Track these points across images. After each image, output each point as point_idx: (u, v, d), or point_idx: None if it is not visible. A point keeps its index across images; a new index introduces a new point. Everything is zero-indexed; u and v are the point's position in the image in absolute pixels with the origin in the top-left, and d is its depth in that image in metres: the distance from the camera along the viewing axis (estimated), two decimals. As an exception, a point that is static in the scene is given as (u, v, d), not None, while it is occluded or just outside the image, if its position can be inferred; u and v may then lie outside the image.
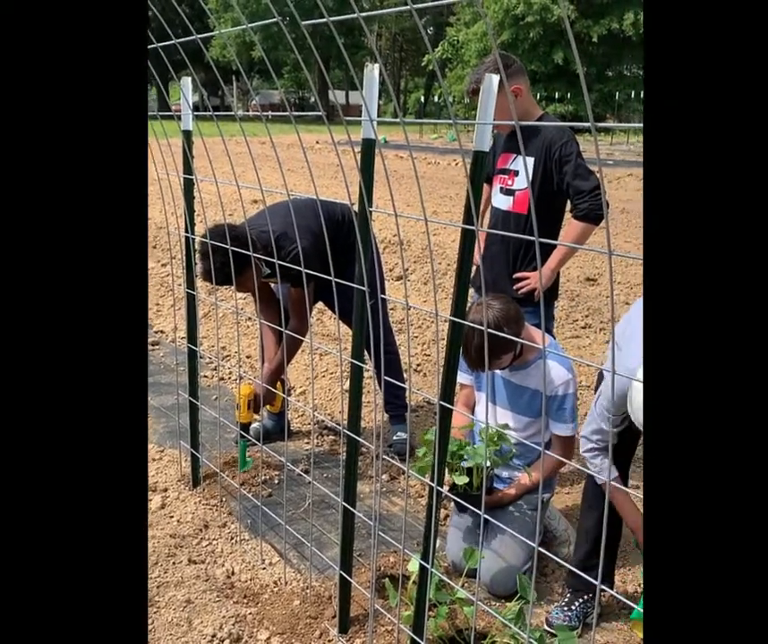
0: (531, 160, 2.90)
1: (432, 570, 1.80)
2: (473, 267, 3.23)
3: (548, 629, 2.27)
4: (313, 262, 2.57)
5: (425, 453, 2.22)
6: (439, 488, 1.69)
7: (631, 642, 2.25)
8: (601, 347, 5.14)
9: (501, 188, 3.07)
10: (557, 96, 28.17)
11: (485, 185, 3.30)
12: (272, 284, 3.43)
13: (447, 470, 2.25)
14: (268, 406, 3.44)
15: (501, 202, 3.06)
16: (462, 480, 2.28)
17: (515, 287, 2.99)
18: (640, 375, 1.86)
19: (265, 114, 1.87)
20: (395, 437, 3.53)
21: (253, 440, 3.18)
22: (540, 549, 1.48)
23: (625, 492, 2.23)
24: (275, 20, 1.30)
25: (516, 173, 2.97)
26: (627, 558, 2.66)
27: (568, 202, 2.91)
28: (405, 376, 3.76)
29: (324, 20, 1.16)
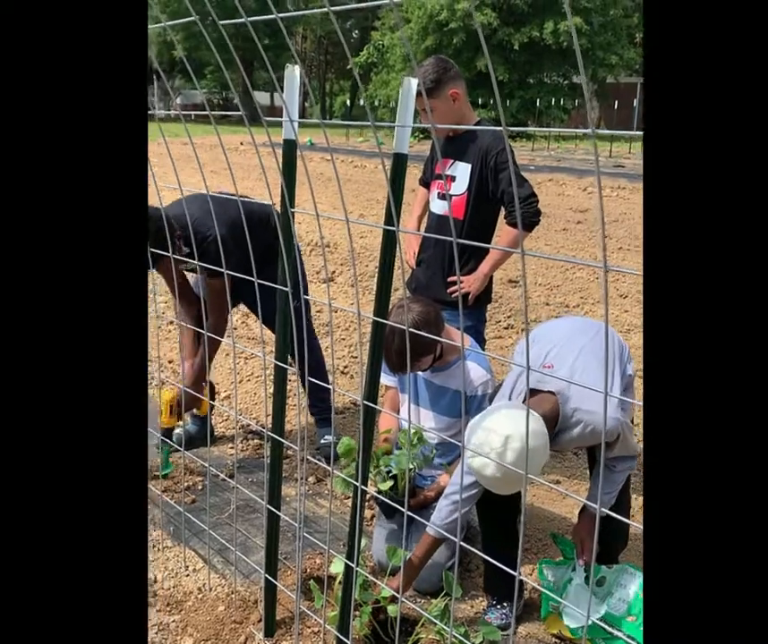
0: (467, 166, 2.94)
1: (357, 569, 1.81)
2: (408, 271, 3.26)
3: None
4: (233, 253, 2.53)
5: (347, 464, 2.24)
6: (363, 488, 1.71)
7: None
8: (522, 347, 5.27)
9: (438, 193, 3.11)
10: (480, 101, 28.70)
11: (423, 190, 3.35)
12: (190, 278, 3.37)
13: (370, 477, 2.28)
14: (194, 409, 3.38)
15: (438, 207, 3.11)
16: (386, 485, 2.31)
17: (449, 291, 3.04)
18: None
19: (187, 113, 1.84)
20: (322, 441, 3.53)
21: (176, 446, 3.12)
22: (463, 544, 1.51)
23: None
24: (193, 19, 1.29)
25: (453, 178, 3.01)
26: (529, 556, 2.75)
27: (502, 208, 2.98)
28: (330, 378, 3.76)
29: (243, 20, 1.15)
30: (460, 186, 2.98)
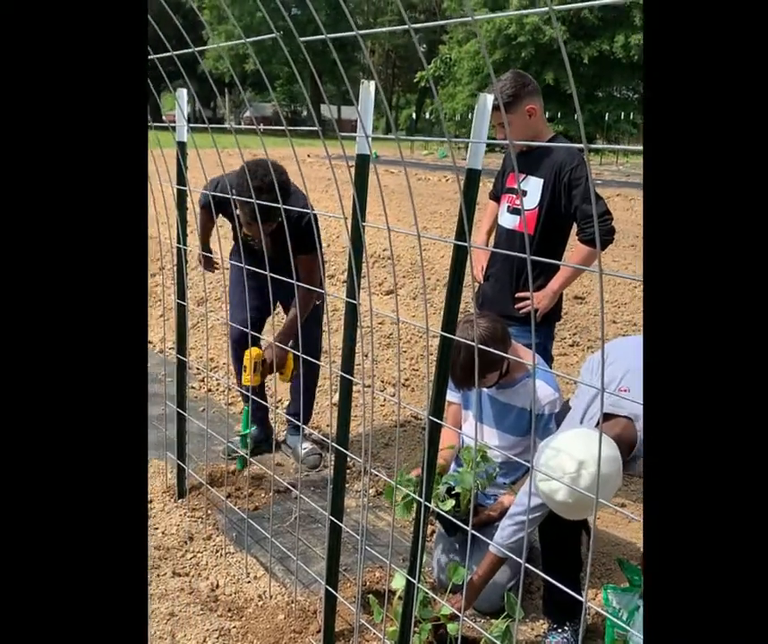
0: (540, 181, 2.90)
1: (419, 585, 1.80)
2: (476, 285, 3.22)
3: None
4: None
5: (406, 495, 2.23)
6: (426, 503, 1.69)
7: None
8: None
9: (508, 207, 3.07)
10: (547, 115, 28.39)
11: (493, 203, 3.32)
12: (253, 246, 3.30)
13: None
14: (278, 374, 3.26)
15: (508, 221, 3.07)
16: (448, 506, 2.29)
17: (516, 306, 2.99)
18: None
19: (257, 127, 1.88)
20: (304, 451, 3.49)
21: (263, 403, 3.22)
22: (527, 565, 1.48)
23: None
24: (273, 35, 1.31)
25: (525, 192, 2.96)
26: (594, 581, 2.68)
27: (574, 226, 2.93)
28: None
29: (322, 36, 1.17)
30: (532, 201, 2.93)
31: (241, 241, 2.65)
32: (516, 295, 3.01)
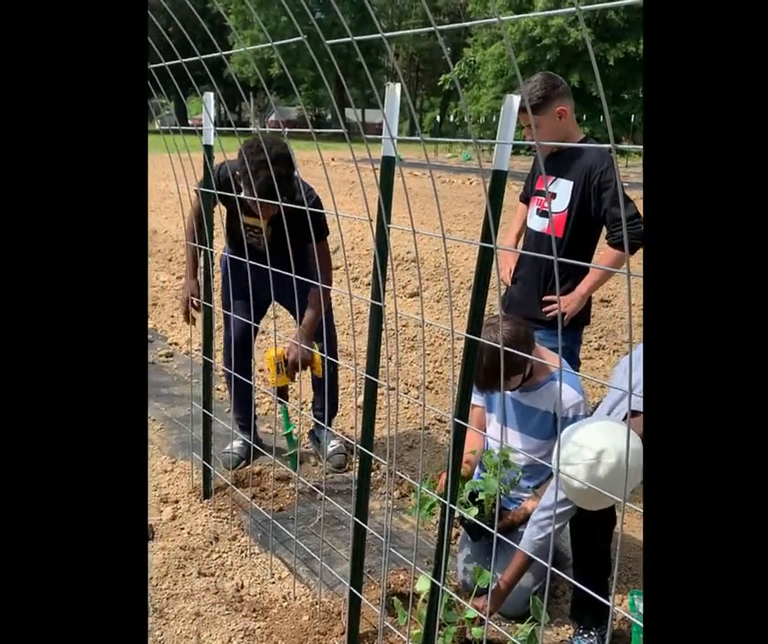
0: (570, 183, 2.87)
1: (443, 588, 1.79)
2: (503, 287, 3.19)
3: None
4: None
5: (429, 502, 2.23)
6: (452, 506, 1.69)
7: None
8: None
9: (538, 209, 3.05)
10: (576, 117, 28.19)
11: (522, 206, 3.29)
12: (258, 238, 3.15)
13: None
14: (309, 369, 3.17)
15: (537, 224, 3.05)
16: (472, 513, 2.28)
17: (543, 309, 2.97)
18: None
19: (282, 130, 1.89)
20: (330, 448, 3.46)
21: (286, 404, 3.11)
22: (553, 569, 1.47)
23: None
24: (298, 39, 1.32)
25: (554, 195, 2.93)
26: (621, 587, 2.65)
27: (603, 229, 2.90)
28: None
29: (347, 39, 1.17)
30: (561, 203, 2.91)
31: (236, 242, 2.57)
32: (544, 298, 2.98)
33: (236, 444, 3.45)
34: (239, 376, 2.81)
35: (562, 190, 2.90)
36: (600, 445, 1.77)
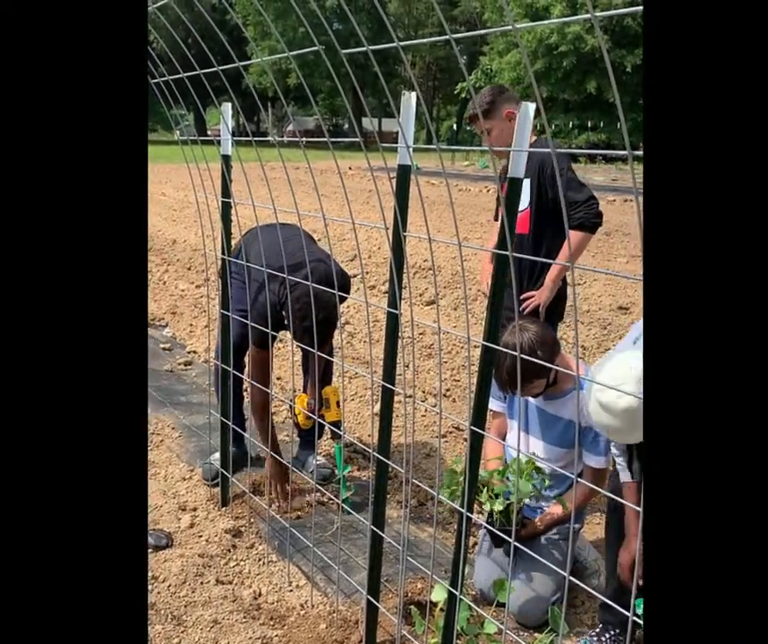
0: (526, 182, 3.00)
1: (461, 597, 1.79)
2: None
3: None
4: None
5: (451, 482, 2.21)
6: (468, 514, 1.69)
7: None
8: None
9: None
10: (590, 124, 28.10)
11: (496, 223, 3.45)
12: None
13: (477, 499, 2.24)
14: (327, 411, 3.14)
15: None
16: (499, 506, 2.25)
17: (521, 306, 3.08)
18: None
19: (300, 140, 1.90)
20: (316, 463, 3.29)
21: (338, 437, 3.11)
22: (571, 579, 1.46)
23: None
24: (315, 49, 1.33)
25: (511, 196, 3.03)
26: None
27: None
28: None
29: (363, 49, 1.18)
30: (522, 202, 3.01)
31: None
32: (522, 296, 3.11)
33: (216, 455, 3.40)
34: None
35: (522, 190, 2.98)
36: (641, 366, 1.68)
